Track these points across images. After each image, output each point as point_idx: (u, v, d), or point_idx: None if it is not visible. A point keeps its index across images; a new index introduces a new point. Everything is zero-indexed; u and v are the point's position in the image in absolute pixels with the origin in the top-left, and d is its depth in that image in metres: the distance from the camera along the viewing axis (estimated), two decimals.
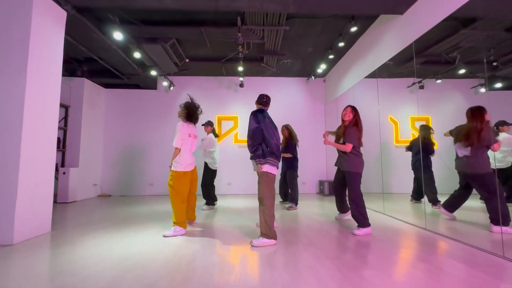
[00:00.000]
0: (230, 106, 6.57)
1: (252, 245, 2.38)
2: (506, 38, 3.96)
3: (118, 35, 3.68)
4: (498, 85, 4.43)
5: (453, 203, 3.07)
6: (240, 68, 5.17)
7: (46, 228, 2.86)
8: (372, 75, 4.35)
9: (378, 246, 2.40)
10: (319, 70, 5.71)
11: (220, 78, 6.55)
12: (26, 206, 2.61)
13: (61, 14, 3.11)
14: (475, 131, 2.88)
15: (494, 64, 4.55)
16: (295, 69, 6.07)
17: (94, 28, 3.67)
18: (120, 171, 6.24)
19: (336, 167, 3.21)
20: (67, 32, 3.75)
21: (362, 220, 2.79)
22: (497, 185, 2.55)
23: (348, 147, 2.86)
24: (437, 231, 2.84)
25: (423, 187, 3.57)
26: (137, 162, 6.25)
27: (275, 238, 2.43)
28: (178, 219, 2.79)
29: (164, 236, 2.70)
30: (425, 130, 4.14)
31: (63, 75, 5.43)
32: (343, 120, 3.04)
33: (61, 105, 5.27)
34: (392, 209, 4.09)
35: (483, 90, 4.84)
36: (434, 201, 3.63)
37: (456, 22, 4.25)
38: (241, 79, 5.93)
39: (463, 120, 4.35)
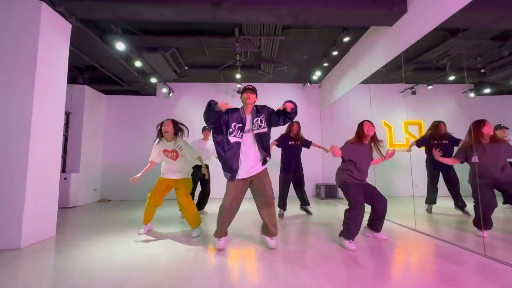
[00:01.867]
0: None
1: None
2: (493, 47, 4.19)
3: (120, 46, 3.82)
4: (487, 90, 4.64)
5: None
6: (238, 76, 5.33)
7: (51, 232, 2.96)
8: (365, 82, 4.53)
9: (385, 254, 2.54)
10: (314, 77, 5.89)
11: (217, 84, 6.71)
12: (33, 212, 2.71)
13: (67, 26, 3.25)
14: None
15: (482, 71, 4.78)
16: (291, 75, 6.25)
17: (97, 38, 3.81)
18: (119, 176, 6.32)
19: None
20: (71, 42, 3.88)
21: None
22: None
23: None
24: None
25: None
26: (136, 167, 6.31)
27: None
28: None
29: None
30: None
31: None
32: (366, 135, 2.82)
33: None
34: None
35: (472, 95, 5.06)
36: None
37: (445, 32, 4.47)
38: (238, 85, 6.09)
39: (454, 124, 4.51)
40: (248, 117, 2.47)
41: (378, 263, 2.11)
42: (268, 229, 2.51)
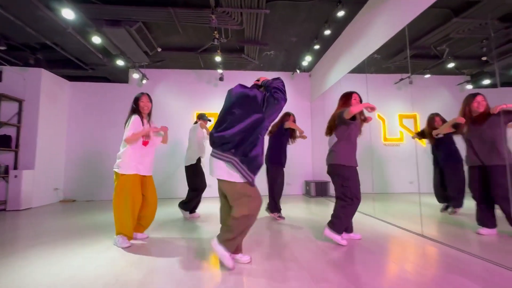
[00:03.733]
0: (210, 101, 6.08)
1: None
2: (499, 28, 3.69)
3: (68, 13, 3.11)
4: (486, 81, 4.19)
5: None
6: (218, 59, 4.70)
7: None
8: (361, 67, 4.01)
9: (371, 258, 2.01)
10: (305, 63, 5.33)
11: (199, 72, 6.05)
12: None
13: None
14: None
15: (484, 58, 4.31)
16: (279, 62, 5.66)
17: (38, 3, 3.09)
18: (86, 173, 5.60)
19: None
20: (6, 8, 3.16)
21: None
22: None
23: None
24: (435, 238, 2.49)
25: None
26: (106, 163, 5.63)
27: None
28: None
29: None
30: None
31: (15, 64, 4.77)
32: None
33: (13, 99, 4.61)
34: (384, 211, 3.75)
35: (469, 86, 4.61)
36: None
37: (448, 10, 3.97)
38: (220, 71, 5.46)
39: (451, 115, 4.10)
40: None
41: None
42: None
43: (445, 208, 3.49)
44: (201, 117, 3.72)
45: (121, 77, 5.70)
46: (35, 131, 4.82)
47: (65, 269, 1.88)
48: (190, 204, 3.50)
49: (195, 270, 1.86)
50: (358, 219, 3.43)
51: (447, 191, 3.42)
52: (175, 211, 3.99)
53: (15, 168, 4.69)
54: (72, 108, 5.71)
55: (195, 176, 3.48)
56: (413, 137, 4.35)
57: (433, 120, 3.58)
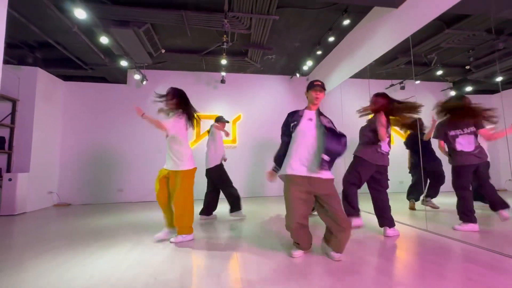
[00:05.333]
0: (209, 104, 6.10)
1: None
2: (487, 39, 4.06)
3: (80, 13, 3.07)
4: (468, 88, 4.57)
5: None
6: (224, 61, 4.76)
7: None
8: (362, 73, 4.23)
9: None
10: (305, 67, 5.51)
11: (198, 74, 6.06)
12: None
13: None
14: None
15: (467, 67, 4.69)
16: (279, 65, 5.81)
17: (49, 3, 3.03)
18: (81, 176, 5.42)
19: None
20: (14, 7, 3.07)
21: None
22: None
23: None
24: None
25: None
26: (102, 165, 5.48)
27: None
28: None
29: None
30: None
31: (10, 62, 4.56)
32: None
33: (7, 99, 4.41)
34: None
35: (452, 93, 4.98)
36: None
37: (441, 22, 4.29)
38: (223, 74, 5.52)
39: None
40: (312, 113, 2.17)
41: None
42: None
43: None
44: (219, 120, 3.81)
45: (119, 77, 5.59)
46: (30, 132, 4.62)
47: (96, 271, 1.87)
48: (237, 201, 3.55)
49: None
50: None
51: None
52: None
53: (8, 171, 4.47)
54: (67, 109, 5.52)
55: (224, 173, 3.59)
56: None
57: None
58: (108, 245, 2.47)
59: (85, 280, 1.72)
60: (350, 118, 4.41)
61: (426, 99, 5.39)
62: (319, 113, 2.18)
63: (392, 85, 6.01)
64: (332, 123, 2.14)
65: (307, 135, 2.06)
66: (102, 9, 3.45)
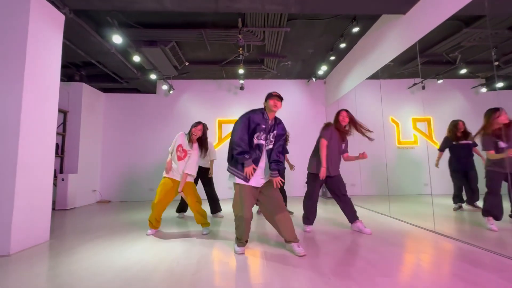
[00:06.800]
0: (230, 109, 6.51)
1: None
2: (509, 37, 3.93)
3: (117, 39, 3.62)
4: (500, 84, 4.40)
5: None
6: (241, 71, 5.12)
7: (44, 237, 2.77)
8: (375, 76, 4.31)
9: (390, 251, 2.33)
10: (320, 72, 5.67)
11: (219, 81, 6.51)
12: (24, 215, 2.52)
13: (59, 18, 3.05)
14: None
15: (496, 63, 4.52)
16: (295, 71, 6.03)
17: (92, 31, 3.62)
18: (119, 177, 6.15)
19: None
20: (65, 36, 3.70)
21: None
22: None
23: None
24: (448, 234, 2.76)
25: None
26: (137, 167, 6.16)
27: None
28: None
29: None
30: None
31: (61, 80, 5.37)
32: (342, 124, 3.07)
33: (60, 111, 5.20)
34: (398, 211, 4.01)
35: (484, 90, 4.81)
36: None
37: (459, 22, 4.22)
38: (241, 82, 5.88)
39: (465, 118, 4.30)
40: (271, 121, 2.39)
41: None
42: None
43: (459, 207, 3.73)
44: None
45: (150, 88, 6.23)
46: (77, 139, 5.39)
47: (131, 255, 2.31)
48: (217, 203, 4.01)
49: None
50: (374, 217, 3.73)
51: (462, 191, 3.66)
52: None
53: (61, 172, 5.26)
54: (107, 118, 6.29)
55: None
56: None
57: (457, 125, 3.70)
58: (139, 236, 2.94)
59: (122, 262, 2.15)
60: (368, 120, 4.50)
61: (454, 97, 5.26)
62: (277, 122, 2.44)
63: (415, 84, 5.91)
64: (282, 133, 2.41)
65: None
66: (134, 33, 4.00)
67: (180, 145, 3.01)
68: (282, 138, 2.38)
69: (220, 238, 2.82)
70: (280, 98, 2.34)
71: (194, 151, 3.03)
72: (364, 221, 3.08)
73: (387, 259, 2.10)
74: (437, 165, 3.95)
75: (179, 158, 2.99)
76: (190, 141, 3.04)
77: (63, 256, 2.32)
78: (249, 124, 2.28)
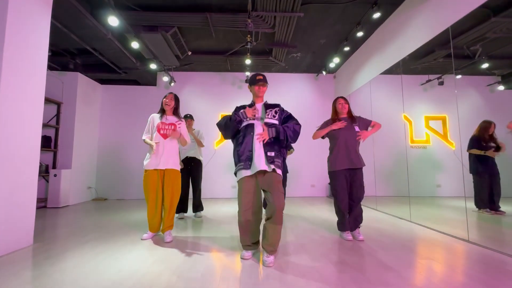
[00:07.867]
0: (234, 103, 6.14)
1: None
2: None
3: (113, 20, 3.26)
4: None
5: None
6: (248, 61, 4.77)
7: (26, 240, 2.44)
8: (394, 68, 3.97)
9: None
10: (332, 65, 5.32)
11: (223, 74, 6.15)
12: (2, 216, 2.19)
13: None
14: None
15: None
16: (304, 64, 5.68)
17: (86, 12, 3.27)
18: (117, 173, 5.81)
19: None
20: (56, 18, 3.35)
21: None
22: None
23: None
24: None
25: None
26: (135, 163, 5.82)
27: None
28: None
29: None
30: None
31: (54, 68, 5.02)
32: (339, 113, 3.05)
33: (53, 102, 4.85)
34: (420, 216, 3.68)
35: (501, 87, 4.45)
36: None
37: (487, 10, 3.86)
38: (247, 74, 5.54)
39: (480, 117, 4.01)
40: (259, 105, 2.30)
41: None
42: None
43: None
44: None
45: (150, 80, 5.88)
46: (72, 132, 5.05)
47: (125, 266, 1.97)
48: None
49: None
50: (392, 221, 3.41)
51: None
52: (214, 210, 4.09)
53: (54, 167, 4.93)
54: (104, 111, 5.94)
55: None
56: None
57: (490, 127, 3.51)
58: (136, 240, 2.61)
59: (115, 273, 1.82)
60: (381, 117, 4.17)
61: (468, 95, 4.93)
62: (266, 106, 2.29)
63: (429, 80, 5.56)
64: (280, 111, 2.25)
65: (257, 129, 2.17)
66: (133, 16, 3.65)
67: (161, 122, 2.69)
68: (289, 118, 2.25)
69: (229, 242, 2.49)
70: (265, 82, 2.24)
71: (182, 122, 2.80)
72: (384, 227, 2.76)
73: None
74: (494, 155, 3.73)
75: (165, 136, 2.67)
76: (164, 115, 2.77)
77: (46, 265, 1.99)
78: (234, 116, 2.23)
